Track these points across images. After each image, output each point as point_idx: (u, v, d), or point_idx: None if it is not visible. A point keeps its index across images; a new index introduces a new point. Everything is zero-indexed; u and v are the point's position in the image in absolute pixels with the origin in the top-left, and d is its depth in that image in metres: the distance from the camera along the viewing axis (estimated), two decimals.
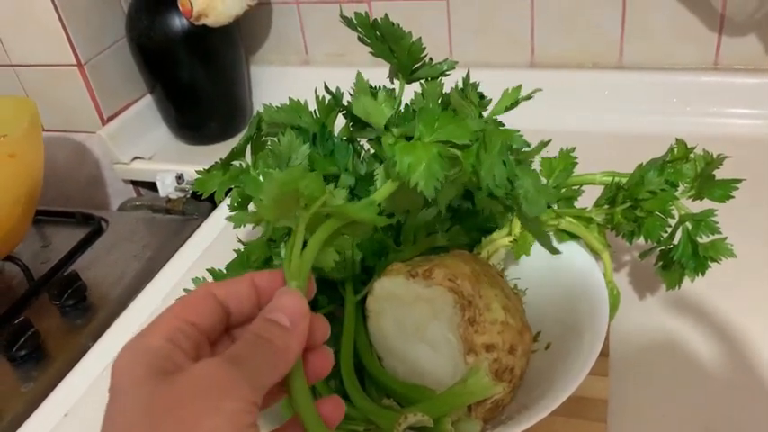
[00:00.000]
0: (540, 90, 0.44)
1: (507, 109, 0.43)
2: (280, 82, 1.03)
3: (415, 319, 0.48)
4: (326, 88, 0.57)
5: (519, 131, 0.42)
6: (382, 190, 0.39)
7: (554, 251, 0.50)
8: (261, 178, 0.48)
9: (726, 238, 0.52)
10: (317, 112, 0.57)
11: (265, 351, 0.30)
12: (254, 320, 0.32)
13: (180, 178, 0.93)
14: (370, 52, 0.54)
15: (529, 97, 0.44)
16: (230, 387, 0.28)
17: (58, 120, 0.98)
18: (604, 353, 0.55)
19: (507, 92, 0.43)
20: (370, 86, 0.48)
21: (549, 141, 0.45)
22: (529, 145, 0.42)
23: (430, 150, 0.37)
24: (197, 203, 0.91)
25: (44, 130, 0.98)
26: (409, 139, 0.39)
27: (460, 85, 0.46)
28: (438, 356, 0.47)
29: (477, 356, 0.44)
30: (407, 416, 0.38)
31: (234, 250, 0.55)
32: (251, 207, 0.54)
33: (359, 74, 0.48)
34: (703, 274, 0.52)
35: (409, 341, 0.48)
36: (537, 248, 0.53)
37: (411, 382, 0.48)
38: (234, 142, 1.01)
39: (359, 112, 0.47)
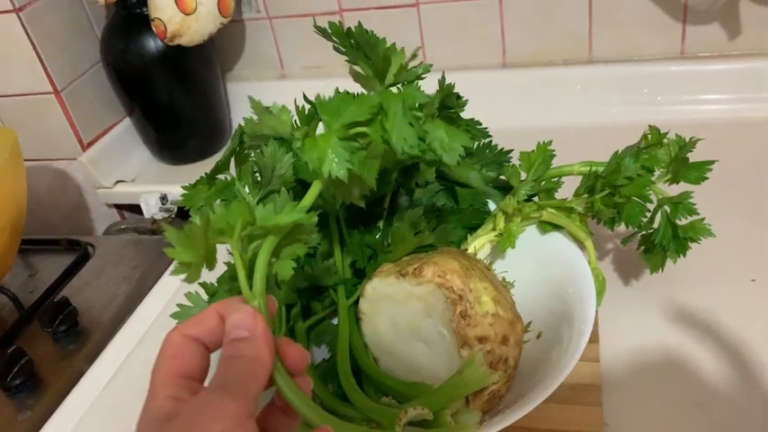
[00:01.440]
0: (420, 47, 0.44)
1: (397, 75, 0.44)
2: (257, 97, 1.03)
3: (408, 317, 0.48)
4: (306, 98, 0.58)
5: (418, 86, 0.42)
6: (310, 192, 0.39)
7: (487, 183, 0.48)
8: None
9: (704, 218, 0.53)
10: (297, 122, 0.58)
11: (240, 366, 0.32)
12: (222, 349, 0.34)
13: (164, 198, 0.93)
14: (346, 60, 0.55)
15: (414, 55, 0.44)
16: (215, 409, 0.30)
17: (38, 148, 0.98)
18: (594, 339, 0.56)
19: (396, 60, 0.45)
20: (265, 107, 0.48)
21: (453, 85, 0.44)
22: (427, 97, 0.42)
23: (330, 138, 0.38)
24: (182, 222, 0.91)
25: (25, 160, 0.97)
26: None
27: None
28: (433, 352, 0.48)
29: (471, 349, 0.45)
30: (408, 410, 0.39)
31: (224, 263, 0.55)
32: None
33: (251, 98, 0.48)
34: (684, 254, 0.54)
35: (404, 340, 0.49)
36: (522, 241, 0.54)
37: (408, 380, 0.48)
38: (215, 160, 1.02)
39: (267, 131, 0.48)
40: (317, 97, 0.42)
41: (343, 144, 0.38)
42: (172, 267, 0.79)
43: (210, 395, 0.31)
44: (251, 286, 0.35)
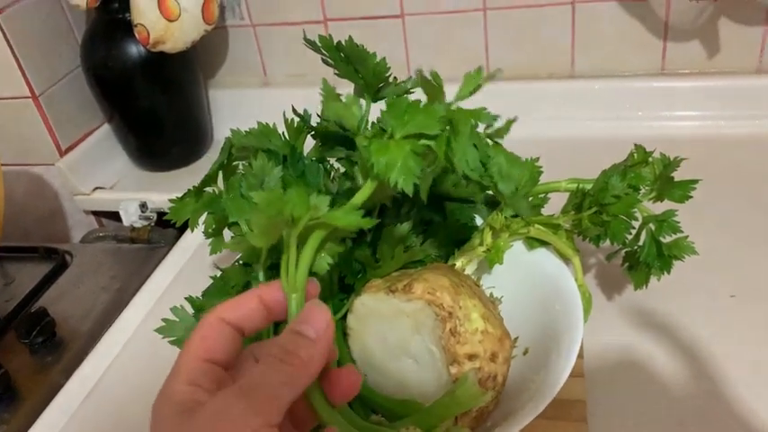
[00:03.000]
0: (502, 70, 0.42)
1: (471, 93, 0.42)
2: (240, 105, 1.03)
3: (397, 334, 0.48)
4: (294, 110, 0.58)
5: (485, 108, 0.41)
6: (363, 191, 0.39)
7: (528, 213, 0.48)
8: (241, 201, 0.48)
9: (687, 236, 0.54)
10: (285, 134, 0.58)
11: (283, 370, 0.32)
12: (283, 332, 0.33)
13: (143, 206, 0.92)
14: (335, 73, 0.55)
15: (492, 76, 0.41)
16: (236, 422, 0.29)
17: (15, 153, 0.96)
18: (579, 354, 0.57)
19: (469, 74, 0.42)
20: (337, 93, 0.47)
21: (516, 119, 0.42)
22: (496, 119, 0.41)
23: (403, 148, 0.37)
24: (162, 231, 0.90)
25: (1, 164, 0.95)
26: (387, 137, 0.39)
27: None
28: (421, 369, 0.48)
29: (460, 366, 0.45)
30: (400, 431, 0.39)
31: (210, 276, 0.55)
32: (227, 232, 0.54)
33: (324, 80, 0.47)
34: (669, 272, 0.54)
35: (392, 356, 0.49)
36: (510, 257, 0.55)
37: (396, 396, 0.48)
38: (196, 167, 1.01)
39: (330, 115, 0.46)
40: (389, 96, 0.40)
41: (415, 159, 0.37)
42: (156, 273, 0.78)
43: (233, 402, 0.30)
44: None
